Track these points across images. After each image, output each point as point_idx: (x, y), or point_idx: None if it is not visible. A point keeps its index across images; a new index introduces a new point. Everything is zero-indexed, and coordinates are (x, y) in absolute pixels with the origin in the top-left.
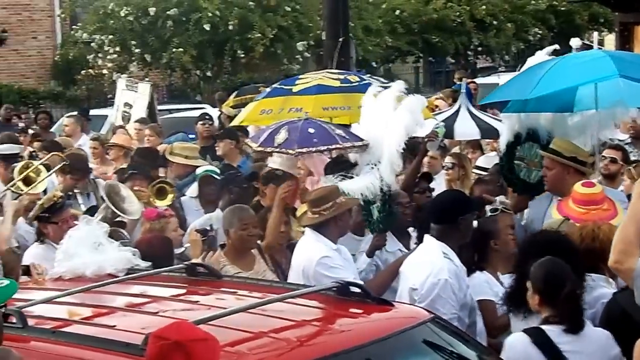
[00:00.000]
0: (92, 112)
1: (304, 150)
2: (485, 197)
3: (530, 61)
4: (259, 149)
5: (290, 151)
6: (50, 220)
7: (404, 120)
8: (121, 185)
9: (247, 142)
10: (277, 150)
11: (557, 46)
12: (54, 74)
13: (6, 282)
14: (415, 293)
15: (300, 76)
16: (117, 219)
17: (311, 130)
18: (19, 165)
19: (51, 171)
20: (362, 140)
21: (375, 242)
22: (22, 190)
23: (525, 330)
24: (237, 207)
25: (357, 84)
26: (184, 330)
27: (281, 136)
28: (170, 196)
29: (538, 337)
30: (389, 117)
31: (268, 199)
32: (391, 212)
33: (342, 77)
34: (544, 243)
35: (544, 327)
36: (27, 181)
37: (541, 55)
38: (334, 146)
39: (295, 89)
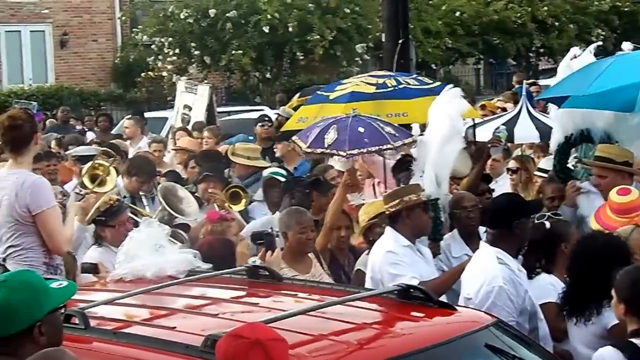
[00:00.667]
0: (152, 114)
1: (355, 151)
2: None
3: (570, 62)
4: (308, 150)
5: (342, 153)
6: (108, 223)
7: (443, 129)
8: (178, 187)
9: (294, 140)
10: (328, 151)
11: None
12: (114, 77)
13: (65, 283)
14: (470, 303)
15: (343, 80)
16: (176, 220)
17: (361, 130)
18: (87, 166)
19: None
20: (411, 135)
21: (432, 251)
22: (89, 190)
23: (614, 345)
24: (295, 209)
25: (392, 89)
26: (261, 330)
27: (330, 136)
28: (244, 201)
29: (632, 353)
30: (437, 123)
31: (315, 208)
32: (436, 221)
33: (380, 81)
34: (601, 247)
35: (635, 340)
36: (96, 181)
37: (584, 56)
38: (385, 146)
39: (332, 95)
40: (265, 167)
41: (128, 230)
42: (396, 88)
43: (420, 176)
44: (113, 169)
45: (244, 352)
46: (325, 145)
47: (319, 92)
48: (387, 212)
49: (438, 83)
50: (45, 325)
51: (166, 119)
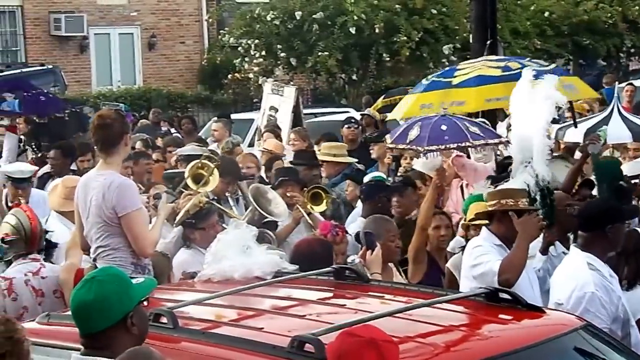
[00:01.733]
0: (238, 116)
1: (434, 147)
2: None
3: None
4: (391, 145)
5: (419, 148)
6: (197, 226)
7: (544, 110)
8: (267, 188)
9: (386, 139)
10: (408, 147)
11: None
12: (201, 78)
13: (143, 278)
14: (561, 308)
15: (458, 67)
16: (265, 220)
17: (444, 127)
18: (190, 165)
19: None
20: (498, 137)
21: (547, 239)
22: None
23: None
24: (381, 218)
25: (517, 71)
26: (376, 330)
27: (414, 132)
28: (325, 202)
29: None
30: (530, 109)
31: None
32: (552, 205)
33: (502, 64)
34: None
35: None
36: (197, 181)
37: None
38: (464, 144)
39: (454, 81)
40: (352, 162)
41: (217, 233)
42: (520, 71)
43: (526, 166)
44: (217, 170)
45: (357, 350)
46: (407, 141)
47: (435, 79)
48: (485, 210)
49: (554, 65)
50: (135, 316)
51: (252, 120)
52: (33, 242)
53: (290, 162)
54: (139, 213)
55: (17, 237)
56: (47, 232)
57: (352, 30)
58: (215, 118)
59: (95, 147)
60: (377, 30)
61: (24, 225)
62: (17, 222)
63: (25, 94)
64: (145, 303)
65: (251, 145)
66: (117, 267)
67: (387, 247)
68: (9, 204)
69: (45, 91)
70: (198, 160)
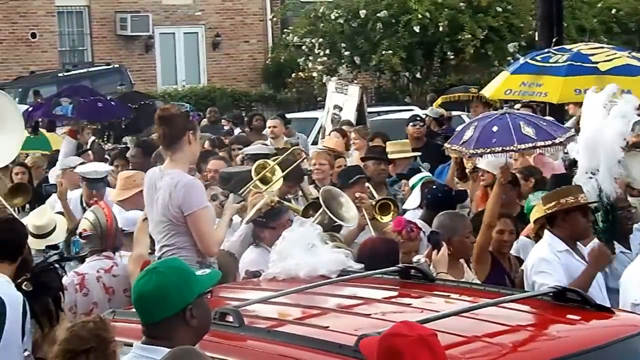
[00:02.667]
0: (302, 114)
1: (479, 151)
2: None
3: None
4: (447, 146)
5: (464, 150)
6: (268, 225)
7: (619, 128)
8: (339, 191)
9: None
10: (458, 148)
11: None
12: (265, 77)
13: (208, 270)
14: (637, 308)
15: (593, 50)
16: (335, 224)
17: (494, 129)
18: (255, 165)
19: (286, 171)
20: (552, 138)
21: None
22: (260, 189)
23: None
24: (456, 213)
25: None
26: (418, 327)
27: (468, 133)
28: (392, 213)
29: None
30: (603, 122)
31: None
32: (614, 222)
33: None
34: None
35: None
36: (264, 181)
37: None
38: (508, 148)
39: (602, 67)
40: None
41: None
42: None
43: (590, 177)
44: (279, 169)
45: (410, 350)
46: (460, 142)
47: (529, 61)
48: (544, 214)
49: None
50: (195, 309)
51: (316, 119)
52: (108, 239)
53: (361, 158)
54: (205, 211)
55: (93, 233)
56: (123, 230)
57: (416, 29)
58: (274, 116)
59: (160, 143)
60: (441, 29)
61: (101, 222)
62: (95, 218)
63: (81, 99)
64: (208, 296)
65: (314, 143)
66: (179, 260)
67: (463, 242)
68: (84, 205)
69: (108, 98)
70: (261, 161)
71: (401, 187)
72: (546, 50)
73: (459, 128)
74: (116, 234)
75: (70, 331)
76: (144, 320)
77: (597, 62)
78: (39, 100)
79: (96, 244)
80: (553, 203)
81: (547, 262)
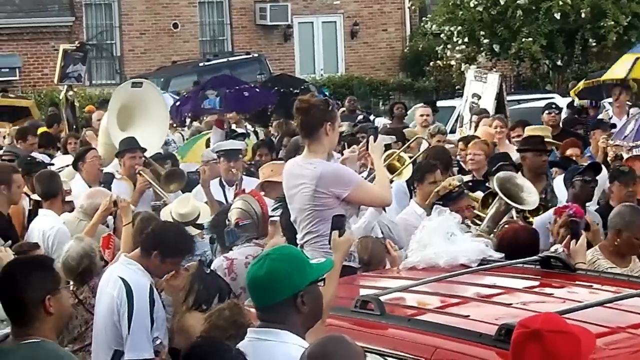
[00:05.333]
0: (440, 103)
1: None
2: None
3: None
4: (610, 142)
5: (625, 144)
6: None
7: None
8: (516, 175)
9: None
10: (620, 143)
11: None
12: (403, 66)
13: (323, 259)
14: None
15: None
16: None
17: None
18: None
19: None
20: None
21: None
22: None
23: None
24: (636, 208)
25: None
26: (548, 320)
27: (629, 127)
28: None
29: None
30: None
31: (615, 198)
32: None
33: None
34: None
35: None
36: (391, 170)
37: None
38: None
39: None
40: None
41: (466, 218)
42: None
43: None
44: (407, 157)
45: (521, 342)
46: (622, 137)
47: None
48: None
49: None
50: (307, 295)
51: (454, 107)
52: (263, 227)
53: (518, 150)
54: (359, 184)
55: (250, 222)
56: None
57: (557, 16)
58: (422, 104)
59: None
60: (583, 15)
61: (255, 209)
62: (248, 206)
63: (227, 90)
64: (321, 284)
65: (452, 132)
66: (294, 247)
67: (630, 243)
68: (223, 186)
69: (252, 86)
70: (390, 151)
71: (552, 174)
72: None
73: (620, 124)
74: (267, 221)
75: (208, 322)
76: (257, 304)
77: None
78: (184, 93)
79: (253, 231)
80: None
81: None
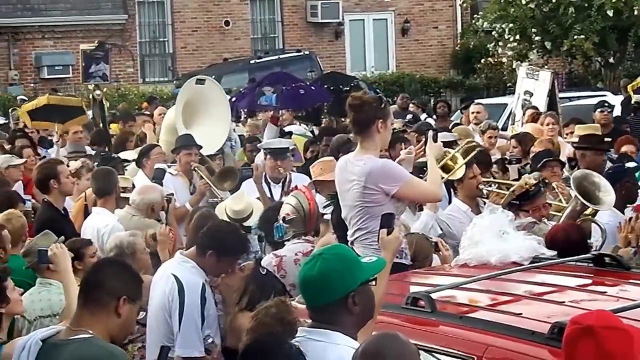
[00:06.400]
0: (491, 100)
1: None
2: None
3: None
4: None
5: None
6: (522, 208)
7: None
8: (593, 173)
9: None
10: None
11: None
12: (454, 63)
13: (375, 258)
14: None
15: None
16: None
17: None
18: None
19: (467, 158)
20: None
21: None
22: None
23: None
24: None
25: None
26: (602, 317)
27: None
28: None
29: None
30: None
31: None
32: None
33: None
34: None
35: None
36: (445, 169)
37: None
38: None
39: None
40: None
41: (542, 216)
42: None
43: None
44: (460, 157)
45: (573, 339)
46: None
47: None
48: None
49: None
50: (358, 296)
51: (506, 105)
52: (310, 223)
53: (577, 148)
54: (408, 181)
55: (296, 217)
56: (323, 214)
57: (610, 13)
58: (475, 101)
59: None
60: (636, 12)
61: (303, 205)
62: (297, 202)
63: (284, 87)
64: (373, 283)
65: (504, 129)
66: (346, 247)
67: None
68: (269, 182)
69: (308, 84)
70: (447, 151)
71: None
72: None
73: None
74: (318, 218)
75: (255, 319)
76: (309, 304)
77: None
78: (241, 89)
79: (299, 227)
80: None
81: None
